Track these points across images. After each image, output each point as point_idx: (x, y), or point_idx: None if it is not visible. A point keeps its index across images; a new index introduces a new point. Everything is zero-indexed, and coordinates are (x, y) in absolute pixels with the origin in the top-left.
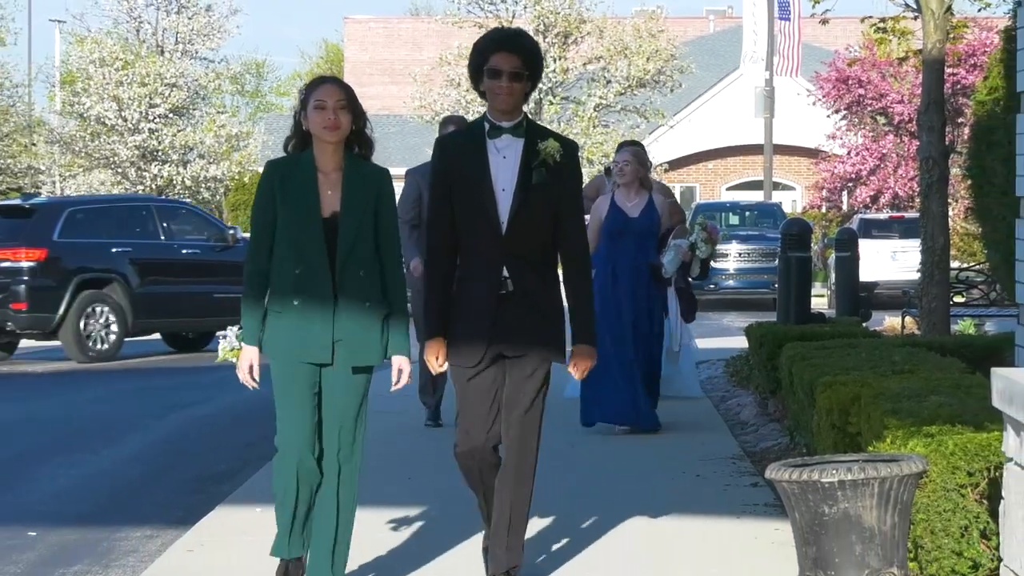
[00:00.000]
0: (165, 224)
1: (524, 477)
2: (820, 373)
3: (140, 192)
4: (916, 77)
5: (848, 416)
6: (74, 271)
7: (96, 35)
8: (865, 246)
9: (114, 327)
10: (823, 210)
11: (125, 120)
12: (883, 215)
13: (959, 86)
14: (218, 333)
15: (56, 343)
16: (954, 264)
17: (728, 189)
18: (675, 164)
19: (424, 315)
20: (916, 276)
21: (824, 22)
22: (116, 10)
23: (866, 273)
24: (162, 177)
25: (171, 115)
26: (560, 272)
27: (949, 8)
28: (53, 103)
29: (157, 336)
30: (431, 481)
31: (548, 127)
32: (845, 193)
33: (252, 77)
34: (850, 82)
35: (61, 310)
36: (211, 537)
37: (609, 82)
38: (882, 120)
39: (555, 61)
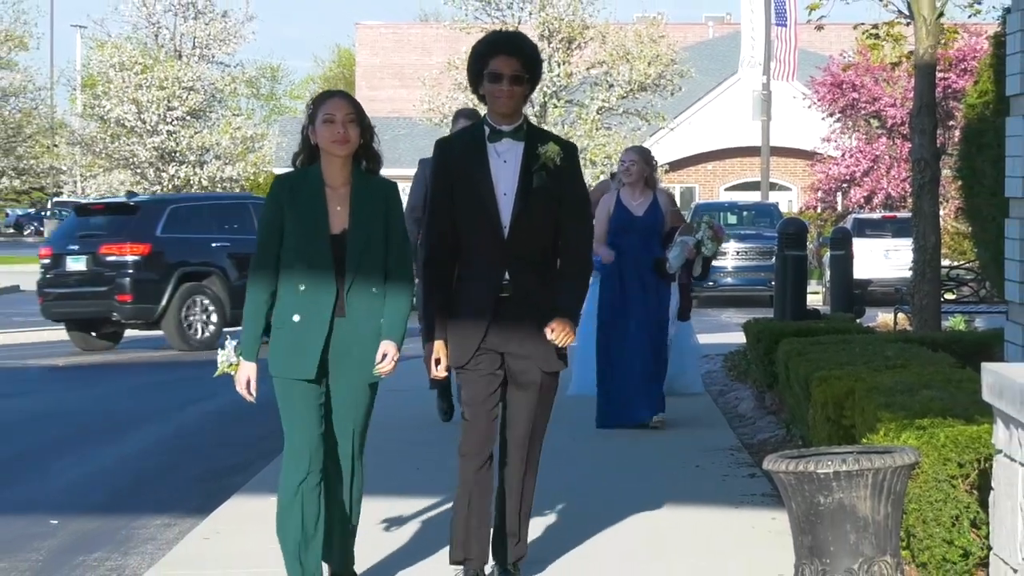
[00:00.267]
0: None
1: (529, 473)
2: (815, 368)
3: (158, 192)
4: (908, 81)
5: (843, 409)
6: (176, 264)
7: (116, 40)
8: (859, 245)
9: (213, 317)
10: (818, 210)
11: (144, 122)
12: (876, 215)
13: (950, 90)
14: (220, 348)
15: (159, 333)
16: (945, 262)
17: (726, 189)
18: (675, 165)
19: (423, 318)
20: (908, 274)
21: (819, 28)
22: (136, 16)
23: (860, 271)
24: (179, 177)
25: (188, 117)
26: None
27: (940, 14)
28: (74, 106)
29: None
30: (439, 470)
31: (550, 130)
32: (840, 194)
33: (267, 81)
34: (844, 86)
35: (164, 301)
36: (226, 525)
37: (611, 86)
38: (875, 123)
39: (559, 66)
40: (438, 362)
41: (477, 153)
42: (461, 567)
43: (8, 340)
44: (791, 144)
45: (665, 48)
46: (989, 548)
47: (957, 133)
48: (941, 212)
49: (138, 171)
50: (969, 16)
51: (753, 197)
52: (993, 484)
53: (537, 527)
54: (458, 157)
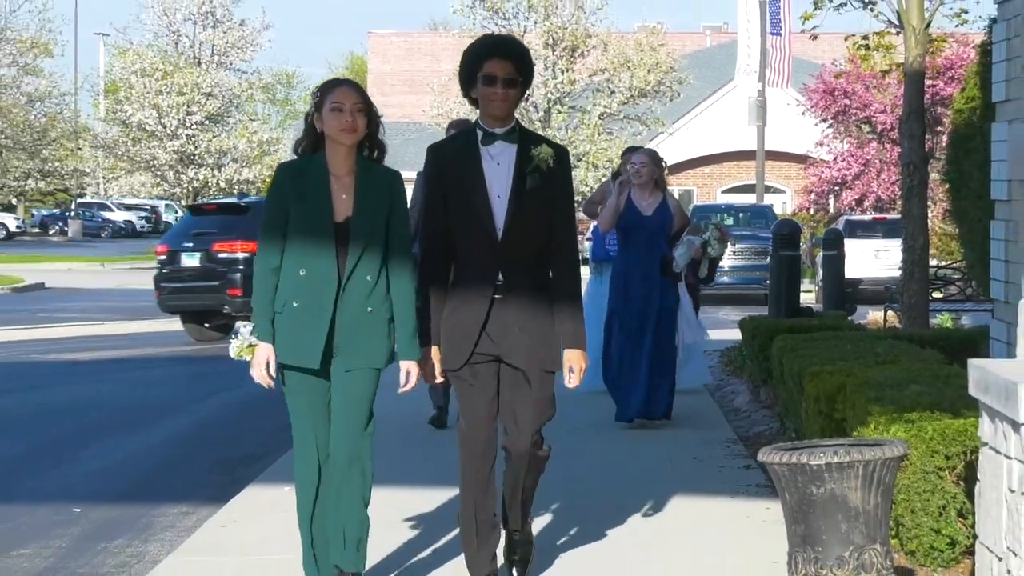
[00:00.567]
0: None
1: (532, 481)
2: (808, 363)
3: (177, 193)
4: (898, 88)
5: (834, 403)
6: None
7: (138, 47)
8: (850, 245)
9: None
10: (811, 212)
11: (164, 126)
12: (867, 216)
13: (938, 97)
14: (234, 334)
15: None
16: (933, 262)
17: (723, 192)
18: (674, 168)
19: (417, 323)
20: (898, 273)
21: (813, 38)
22: (156, 24)
23: (851, 270)
24: (198, 180)
25: (207, 122)
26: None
27: (929, 24)
28: (97, 110)
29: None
30: (448, 460)
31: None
32: (832, 196)
33: (282, 87)
34: (836, 93)
35: None
36: (243, 514)
37: (613, 92)
38: (866, 128)
39: (563, 72)
40: (432, 367)
41: (470, 156)
42: None
43: (32, 336)
44: (785, 148)
45: (664, 56)
46: (975, 537)
47: (945, 138)
48: (929, 214)
49: (159, 173)
50: (956, 26)
51: (749, 199)
52: (979, 475)
53: (540, 516)
54: (451, 160)
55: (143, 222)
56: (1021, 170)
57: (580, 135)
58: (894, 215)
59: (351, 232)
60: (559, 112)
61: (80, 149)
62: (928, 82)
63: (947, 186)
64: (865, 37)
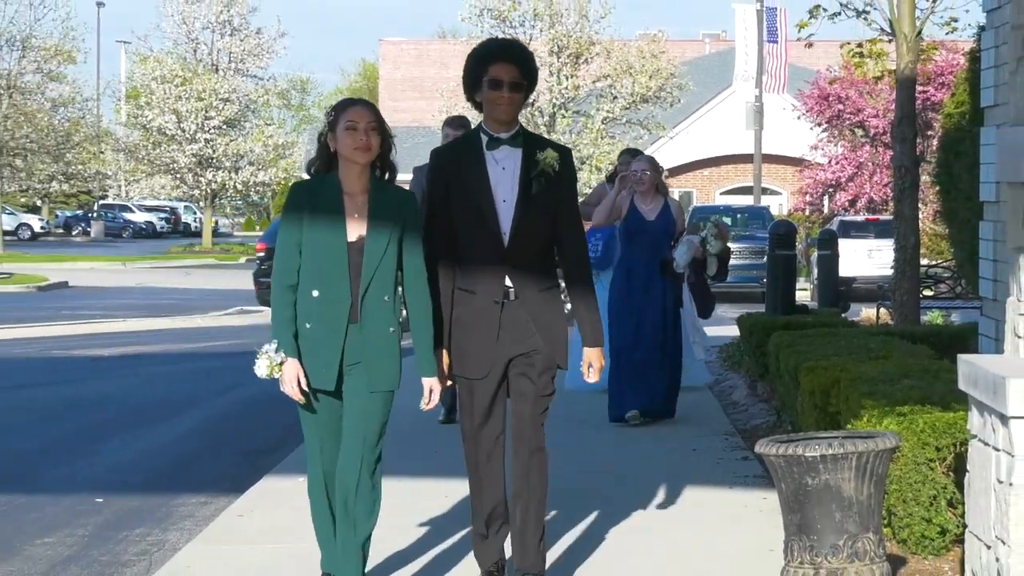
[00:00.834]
0: None
1: (541, 480)
2: (804, 359)
3: (195, 195)
4: (890, 94)
5: (829, 397)
6: None
7: (158, 55)
8: (844, 245)
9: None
10: (806, 213)
11: (183, 131)
12: (860, 217)
13: (929, 102)
14: (258, 352)
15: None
16: (923, 261)
17: (722, 194)
18: (674, 171)
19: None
20: (890, 272)
21: (808, 45)
22: (176, 32)
23: (845, 269)
24: (216, 182)
25: (224, 126)
26: (561, 276)
27: (920, 32)
28: (119, 115)
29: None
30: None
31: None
32: (826, 197)
33: (297, 93)
34: (831, 99)
35: None
36: (259, 503)
37: (615, 98)
38: (859, 132)
39: (567, 79)
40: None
41: (475, 161)
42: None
43: (56, 332)
44: (781, 152)
45: (665, 63)
46: (965, 526)
47: (935, 142)
48: (920, 215)
49: (178, 176)
50: (947, 34)
51: (746, 201)
52: (968, 467)
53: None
54: (455, 165)
55: (163, 223)
56: (1009, 172)
57: (584, 139)
58: (886, 216)
59: (365, 252)
60: (564, 117)
61: (102, 153)
62: (919, 88)
63: (937, 188)
64: (859, 45)
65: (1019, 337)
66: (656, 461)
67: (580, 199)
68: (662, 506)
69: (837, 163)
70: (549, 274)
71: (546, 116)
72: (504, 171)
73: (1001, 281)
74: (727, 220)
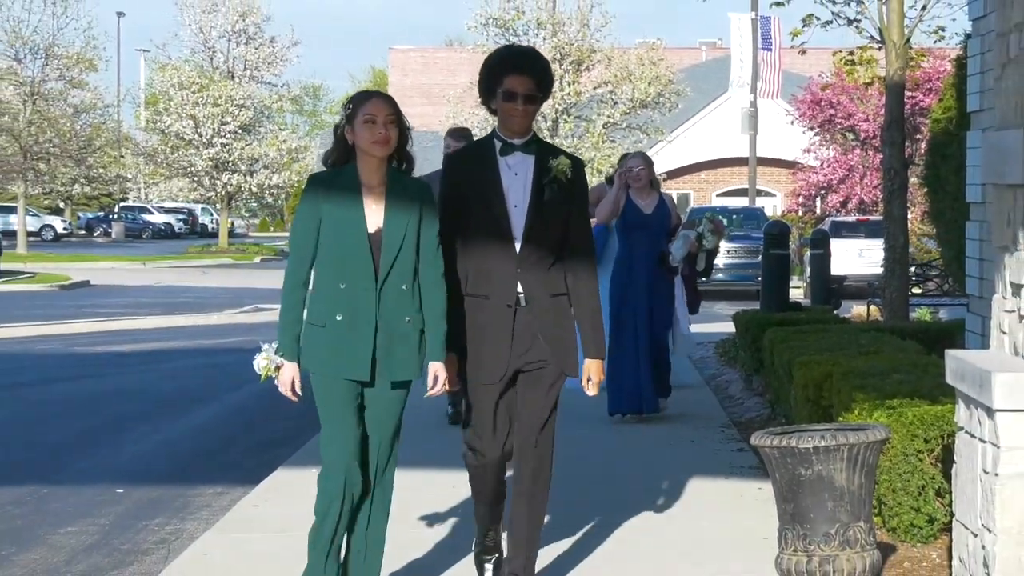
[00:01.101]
0: None
1: (542, 490)
2: (797, 354)
3: (212, 197)
4: (880, 99)
5: (821, 391)
6: None
7: (176, 62)
8: (836, 245)
9: None
10: (799, 214)
11: (200, 136)
12: (851, 218)
13: (917, 107)
14: (257, 352)
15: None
16: (912, 261)
17: (718, 195)
18: (672, 174)
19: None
20: (880, 270)
21: (802, 52)
22: (193, 41)
23: (836, 268)
24: (232, 185)
25: (240, 131)
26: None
27: (908, 40)
28: (139, 121)
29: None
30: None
31: (561, 143)
32: (818, 199)
33: (310, 99)
34: (823, 104)
35: None
36: (273, 494)
37: (616, 103)
38: (850, 136)
39: (569, 85)
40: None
41: (488, 166)
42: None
43: (78, 329)
44: (775, 155)
45: (663, 70)
46: (952, 515)
47: (923, 145)
48: (909, 215)
49: (195, 179)
50: (934, 41)
51: (742, 202)
52: (955, 458)
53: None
54: (469, 170)
55: (181, 224)
56: (994, 175)
57: (585, 143)
58: (876, 216)
59: (384, 242)
60: (566, 122)
61: (123, 157)
62: (908, 93)
63: (925, 190)
64: (850, 52)
65: (1004, 333)
66: (654, 453)
67: None
68: (660, 495)
69: (829, 166)
70: (560, 281)
71: (549, 121)
72: (516, 177)
73: (987, 279)
74: (723, 221)
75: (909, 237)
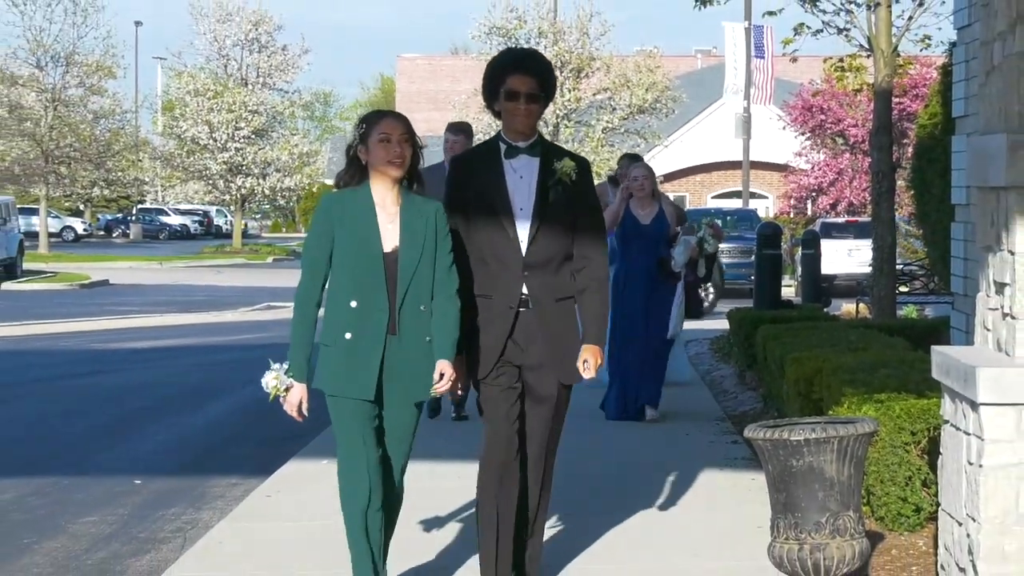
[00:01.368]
0: None
1: (545, 489)
2: (789, 350)
3: (226, 200)
4: (868, 105)
5: (812, 385)
6: None
7: (192, 70)
8: (826, 245)
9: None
10: (791, 215)
11: (215, 140)
12: (841, 219)
13: (904, 113)
14: (268, 370)
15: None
16: (899, 260)
17: (713, 198)
18: (669, 177)
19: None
20: (868, 270)
21: (793, 60)
22: (208, 49)
23: (827, 267)
24: (245, 187)
25: (253, 136)
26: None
27: (896, 49)
28: (156, 126)
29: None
30: (463, 439)
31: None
32: (809, 201)
33: (320, 105)
34: (813, 110)
35: None
36: (286, 485)
37: (614, 109)
38: (840, 141)
39: (570, 91)
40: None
41: (493, 169)
42: None
43: (98, 327)
44: (768, 159)
45: (660, 77)
46: (938, 504)
47: (910, 150)
48: (896, 217)
49: (210, 182)
50: (921, 50)
51: (735, 204)
52: (941, 450)
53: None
54: (474, 173)
55: (196, 225)
56: (979, 177)
57: (585, 147)
58: (865, 218)
59: (400, 263)
60: (567, 127)
61: (140, 160)
62: (895, 100)
63: (912, 192)
64: (840, 60)
65: (988, 330)
66: (651, 445)
67: None
68: (657, 486)
69: (819, 169)
70: (566, 285)
71: (551, 126)
72: (522, 179)
73: (971, 278)
74: (717, 222)
75: (896, 238)
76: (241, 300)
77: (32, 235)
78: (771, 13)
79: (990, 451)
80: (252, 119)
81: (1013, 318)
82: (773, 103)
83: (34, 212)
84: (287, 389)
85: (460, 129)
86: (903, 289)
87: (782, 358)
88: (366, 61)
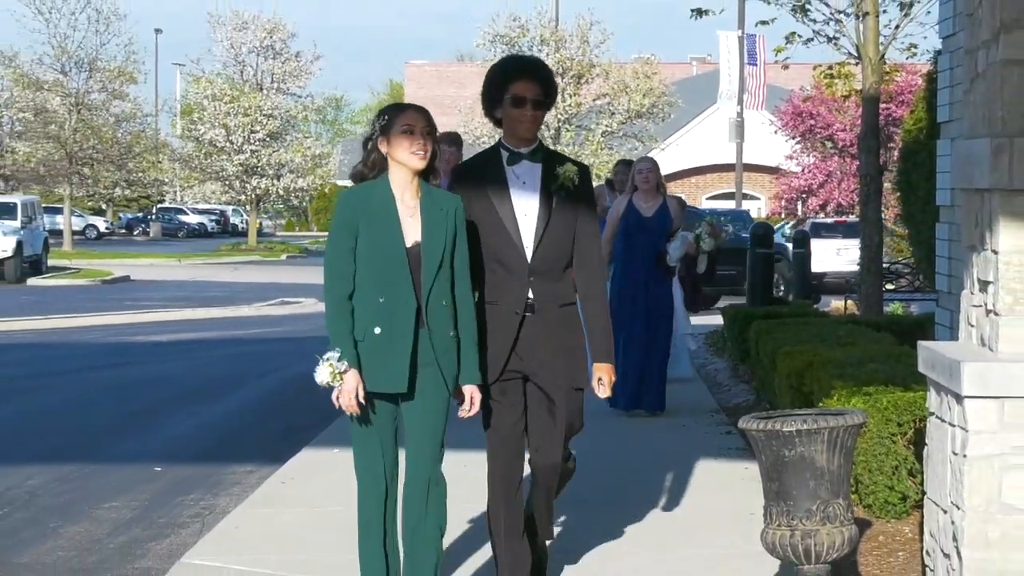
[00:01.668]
0: None
1: (552, 492)
2: (780, 344)
3: (242, 200)
4: (856, 111)
5: (803, 379)
6: None
7: (209, 75)
8: (815, 244)
9: None
10: (782, 216)
11: (232, 143)
12: (830, 220)
13: (891, 118)
14: (322, 358)
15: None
16: (886, 259)
17: (707, 199)
18: (665, 179)
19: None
20: (856, 268)
21: (784, 67)
22: (225, 56)
23: (816, 266)
24: (260, 188)
25: (268, 139)
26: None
27: (883, 56)
28: (175, 129)
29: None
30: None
31: (563, 150)
32: (799, 202)
33: (331, 109)
34: (804, 115)
35: None
36: (300, 472)
37: (613, 114)
38: (829, 145)
39: (570, 97)
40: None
41: (496, 177)
42: None
43: (120, 320)
44: (760, 162)
45: (657, 83)
46: (924, 493)
47: (896, 153)
48: (883, 217)
49: (226, 183)
50: (907, 58)
51: (729, 205)
52: (927, 440)
53: None
54: (477, 181)
55: (213, 224)
56: (963, 180)
57: (585, 150)
58: (853, 218)
59: (424, 257)
60: (567, 131)
61: (160, 162)
62: (882, 105)
63: (898, 194)
64: (829, 67)
65: (972, 326)
66: (648, 436)
67: None
68: (654, 475)
69: (809, 172)
70: (570, 290)
71: (552, 130)
72: (524, 186)
73: (955, 276)
74: (722, 221)
75: (883, 238)
76: (256, 296)
77: (56, 233)
78: (764, 22)
79: (974, 442)
80: (267, 122)
81: (996, 315)
82: (765, 108)
83: (58, 211)
84: (343, 373)
85: (452, 140)
86: (890, 287)
87: (774, 352)
88: (376, 67)
